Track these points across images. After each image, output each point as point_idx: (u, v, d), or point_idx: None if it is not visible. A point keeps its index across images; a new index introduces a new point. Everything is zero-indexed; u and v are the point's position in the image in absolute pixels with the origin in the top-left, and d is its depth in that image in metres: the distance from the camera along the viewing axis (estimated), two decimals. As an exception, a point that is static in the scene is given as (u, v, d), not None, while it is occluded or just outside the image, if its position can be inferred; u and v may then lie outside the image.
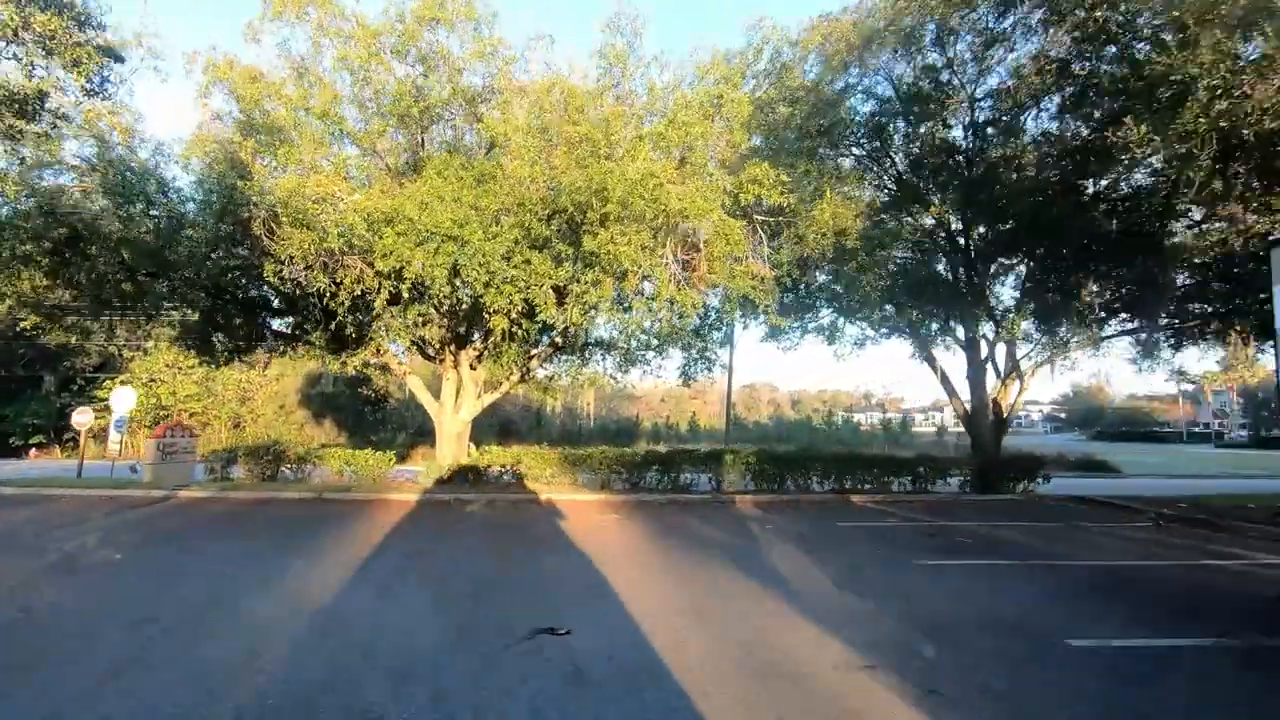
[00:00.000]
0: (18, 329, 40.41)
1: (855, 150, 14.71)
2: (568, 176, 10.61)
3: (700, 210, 9.77)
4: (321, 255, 11.68)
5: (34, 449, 36.42)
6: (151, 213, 13.19)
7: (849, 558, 8.83)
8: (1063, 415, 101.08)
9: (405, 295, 13.34)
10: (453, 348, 17.93)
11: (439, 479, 17.29)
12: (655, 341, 15.50)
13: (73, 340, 41.09)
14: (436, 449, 18.85)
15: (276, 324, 18.37)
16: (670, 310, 10.22)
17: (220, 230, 12.02)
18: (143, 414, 36.78)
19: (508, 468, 17.82)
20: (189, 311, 15.18)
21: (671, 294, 10.19)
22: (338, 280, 12.37)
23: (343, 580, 7.05)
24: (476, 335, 18.65)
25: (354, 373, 43.38)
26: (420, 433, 45.07)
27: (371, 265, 12.07)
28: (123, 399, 19.51)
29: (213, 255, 12.48)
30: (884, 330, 19.86)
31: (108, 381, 37.54)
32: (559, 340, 17.56)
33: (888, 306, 18.16)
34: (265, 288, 15.79)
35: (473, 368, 18.29)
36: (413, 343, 16.18)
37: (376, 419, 46.69)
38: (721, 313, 11.12)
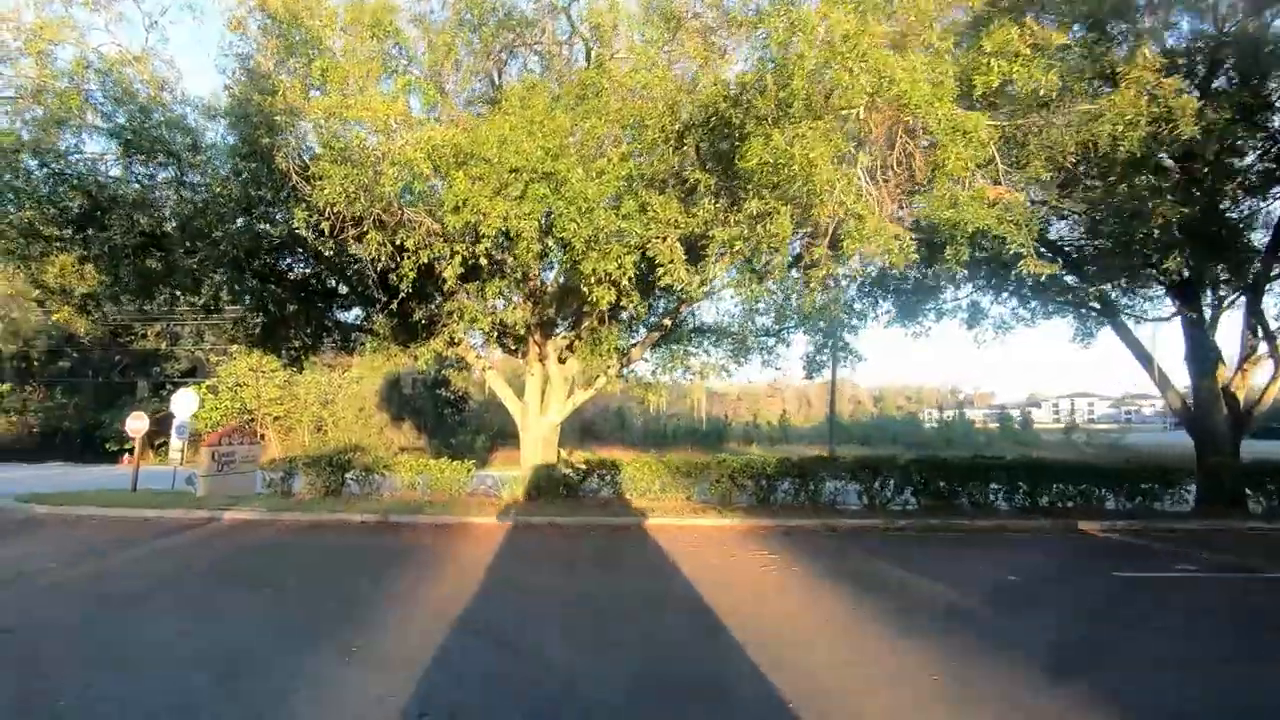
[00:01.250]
0: (115, 336, 40.59)
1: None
2: (709, 71, 7.15)
3: (925, 98, 6.12)
4: (375, 208, 8.65)
5: (127, 454, 36.02)
6: (185, 178, 10.59)
7: (1253, 668, 4.91)
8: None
9: (483, 264, 10.26)
10: (538, 337, 14.79)
11: (525, 492, 14.24)
12: (797, 320, 11.83)
13: (162, 346, 41.00)
14: (521, 456, 15.80)
15: (342, 316, 15.81)
16: (882, 249, 6.51)
17: (241, 170, 9.18)
18: (229, 418, 35.89)
19: (605, 478, 14.60)
20: (235, 296, 12.65)
21: (880, 230, 6.46)
22: (399, 244, 9.36)
23: (371, 710, 3.80)
24: (562, 324, 15.50)
25: (426, 369, 41.44)
26: (501, 434, 42.79)
27: (441, 223, 8.98)
28: (183, 403, 17.39)
29: (248, 214, 9.72)
30: (1059, 303, 15.44)
31: (194, 386, 36.81)
32: (668, 323, 14.13)
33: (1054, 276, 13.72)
34: (323, 270, 13.09)
35: (562, 360, 15.16)
36: (492, 329, 13.10)
37: (456, 421, 44.81)
38: (944, 261, 7.39)
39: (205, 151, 10.22)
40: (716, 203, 8.12)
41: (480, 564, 8.08)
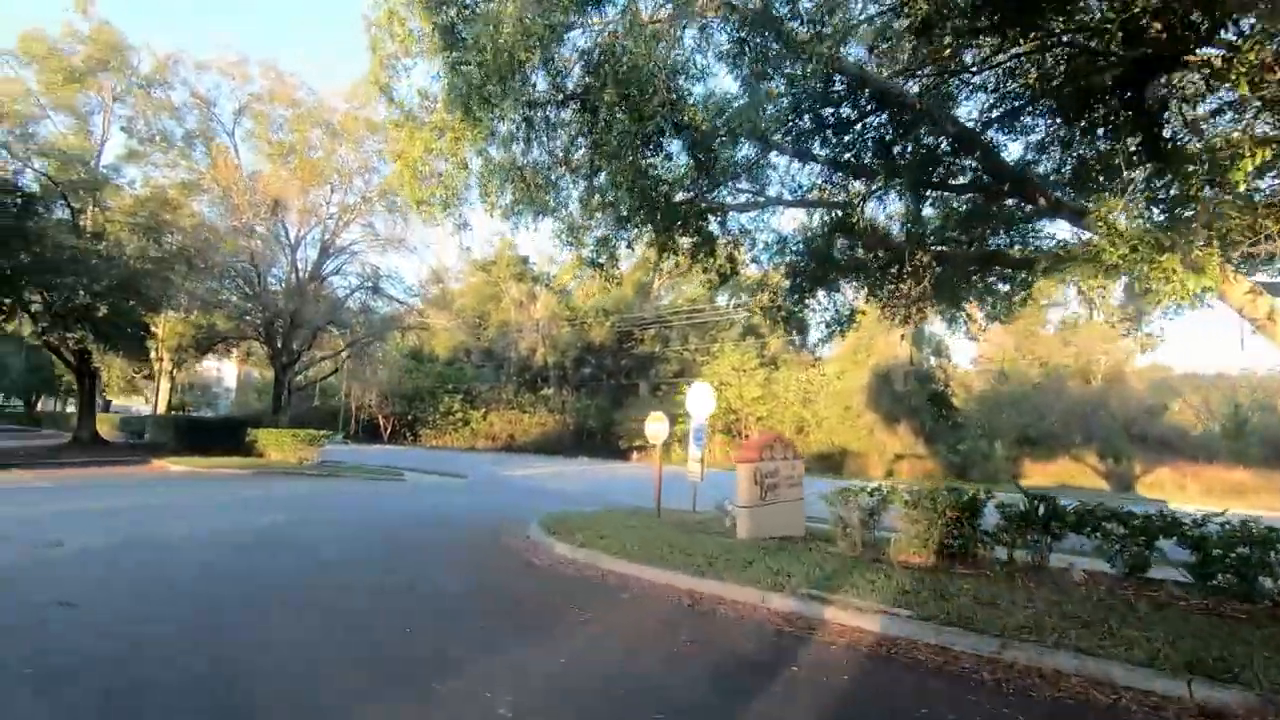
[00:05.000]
0: (620, 343, 43.88)
1: None
2: None
3: None
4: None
5: (635, 452, 37.58)
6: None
7: None
8: None
9: None
10: None
11: None
12: None
13: (656, 349, 42.58)
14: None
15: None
16: None
17: None
18: (715, 418, 34.21)
19: None
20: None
21: None
22: None
23: None
24: None
25: (917, 358, 32.50)
26: (1025, 440, 31.79)
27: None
28: (700, 400, 13.15)
29: None
30: None
31: (683, 386, 36.20)
32: None
33: None
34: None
35: None
36: None
37: (952, 423, 35.23)
38: None
39: None
40: None
41: None
